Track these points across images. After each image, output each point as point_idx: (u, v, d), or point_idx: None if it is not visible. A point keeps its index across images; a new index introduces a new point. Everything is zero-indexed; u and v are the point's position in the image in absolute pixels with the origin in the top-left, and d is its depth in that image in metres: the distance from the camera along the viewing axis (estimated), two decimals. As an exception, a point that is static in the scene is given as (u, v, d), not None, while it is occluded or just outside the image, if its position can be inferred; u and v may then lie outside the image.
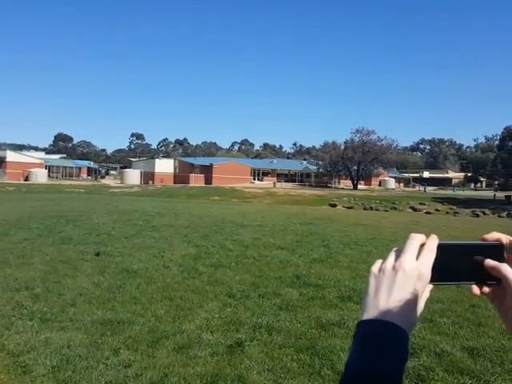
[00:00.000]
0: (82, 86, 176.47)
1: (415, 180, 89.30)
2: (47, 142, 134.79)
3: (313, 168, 74.32)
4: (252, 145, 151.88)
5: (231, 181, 59.17)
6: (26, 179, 60.24)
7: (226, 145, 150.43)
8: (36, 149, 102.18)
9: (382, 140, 66.63)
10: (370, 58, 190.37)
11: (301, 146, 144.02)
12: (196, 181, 61.65)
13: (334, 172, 70.05)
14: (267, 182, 65.86)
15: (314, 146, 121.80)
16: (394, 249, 0.68)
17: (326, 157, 69.10)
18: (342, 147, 69.31)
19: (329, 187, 65.16)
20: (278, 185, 59.92)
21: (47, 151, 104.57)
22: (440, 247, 0.65)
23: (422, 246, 0.66)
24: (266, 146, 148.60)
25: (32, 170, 62.06)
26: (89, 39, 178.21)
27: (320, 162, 72.43)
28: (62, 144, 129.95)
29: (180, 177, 65.94)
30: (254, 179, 70.38)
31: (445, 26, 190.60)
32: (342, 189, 62.88)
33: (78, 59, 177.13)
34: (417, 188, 77.17)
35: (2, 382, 3.06)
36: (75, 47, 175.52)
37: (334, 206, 33.58)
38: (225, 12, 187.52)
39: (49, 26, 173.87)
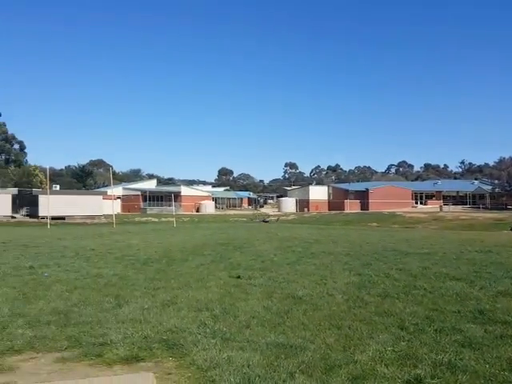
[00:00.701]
0: (238, 123, 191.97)
1: None
2: (212, 176, 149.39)
3: (487, 188, 66.37)
4: (411, 166, 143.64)
5: (390, 206, 56.65)
6: (197, 210, 67.50)
7: (381, 168, 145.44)
8: (204, 183, 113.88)
9: None
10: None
11: (470, 164, 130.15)
12: (351, 207, 60.77)
13: (515, 191, 61.31)
14: (432, 206, 61.24)
15: (486, 164, 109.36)
16: None
17: (503, 175, 61.35)
18: (523, 162, 61.02)
19: (509, 209, 57.26)
20: (445, 208, 55.08)
21: (213, 185, 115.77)
22: None
23: None
24: (427, 166, 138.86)
25: (202, 202, 69.40)
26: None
27: (496, 181, 64.60)
28: (224, 177, 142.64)
29: (334, 203, 65.89)
30: (416, 203, 66.18)
31: None
32: (526, 211, 54.77)
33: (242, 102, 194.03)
34: None
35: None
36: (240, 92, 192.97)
37: (516, 230, 29.36)
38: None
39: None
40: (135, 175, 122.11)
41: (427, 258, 10.36)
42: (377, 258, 10.62)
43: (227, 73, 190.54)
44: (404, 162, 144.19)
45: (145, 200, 68.04)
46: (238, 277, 8.10)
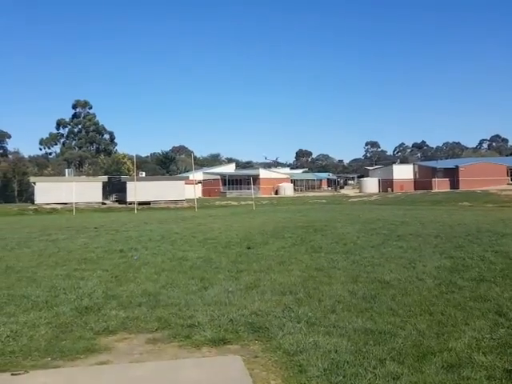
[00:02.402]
0: (314, 102, 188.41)
1: None
2: (291, 158, 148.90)
3: None
4: (505, 140, 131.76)
5: (483, 183, 52.53)
6: (276, 193, 67.91)
7: (472, 144, 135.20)
8: (282, 165, 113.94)
9: None
10: None
11: None
12: (439, 186, 57.34)
13: None
14: (529, 183, 55.86)
15: None
16: None
17: None
18: None
19: None
20: (545, 185, 50.01)
21: (291, 167, 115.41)
22: None
23: None
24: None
25: (280, 184, 69.62)
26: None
27: None
28: (303, 159, 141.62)
29: (421, 182, 62.61)
30: (512, 180, 60.78)
31: None
32: None
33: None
34: None
35: (283, 378, 3.39)
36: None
37: None
38: None
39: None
40: (215, 160, 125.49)
41: (528, 240, 9.48)
42: (470, 239, 9.95)
43: (300, 52, 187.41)
44: (497, 135, 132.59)
45: (224, 184, 69.87)
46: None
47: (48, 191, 38.92)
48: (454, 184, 57.62)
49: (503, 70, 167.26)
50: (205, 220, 19.29)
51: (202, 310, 5.08)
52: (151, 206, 39.78)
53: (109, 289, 6.29)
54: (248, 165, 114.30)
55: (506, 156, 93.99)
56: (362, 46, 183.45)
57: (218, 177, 71.51)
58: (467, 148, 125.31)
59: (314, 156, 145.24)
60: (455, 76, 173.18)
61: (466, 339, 3.97)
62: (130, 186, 39.49)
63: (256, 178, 66.79)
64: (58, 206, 37.15)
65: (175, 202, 42.15)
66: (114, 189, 49.17)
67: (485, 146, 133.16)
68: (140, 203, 36.10)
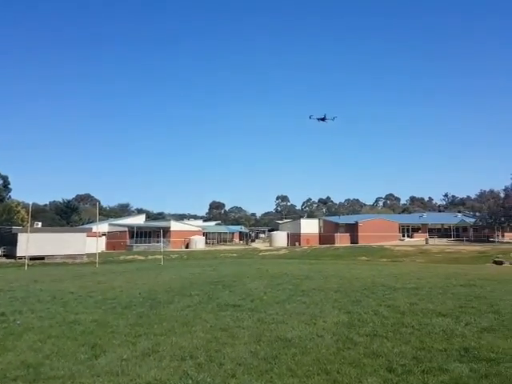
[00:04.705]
0: (230, 155, 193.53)
1: None
2: (203, 210, 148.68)
3: (469, 221, 67.23)
4: (398, 199, 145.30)
5: (378, 239, 56.86)
6: (187, 246, 66.69)
7: (369, 201, 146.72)
8: (195, 217, 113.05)
9: None
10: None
11: (453, 196, 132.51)
12: (341, 240, 60.79)
13: (496, 224, 62.18)
14: (418, 239, 61.55)
15: (468, 197, 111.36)
16: None
17: (484, 207, 62.45)
18: (502, 195, 62.22)
19: (491, 242, 57.95)
20: (431, 241, 55.47)
21: (204, 219, 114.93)
22: None
23: None
24: (413, 199, 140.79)
25: (192, 237, 68.62)
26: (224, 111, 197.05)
27: (477, 214, 65.55)
28: (216, 211, 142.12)
29: (325, 236, 65.88)
30: (403, 236, 66.54)
31: None
32: (508, 243, 55.34)
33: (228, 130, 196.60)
34: None
35: None
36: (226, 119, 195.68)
37: (499, 263, 29.54)
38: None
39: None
40: (123, 210, 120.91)
41: (414, 294, 10.32)
42: (366, 294, 10.54)
43: (217, 103, 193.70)
44: (391, 194, 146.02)
45: (132, 236, 66.91)
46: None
47: None
48: (354, 238, 61.50)
49: (398, 133, 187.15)
50: (106, 277, 18.19)
51: (89, 383, 4.69)
52: (46, 261, 36.64)
53: (-19, 361, 5.56)
54: (160, 216, 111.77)
55: (399, 213, 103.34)
56: (268, 95, 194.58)
57: (126, 229, 68.42)
58: (365, 205, 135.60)
59: (227, 208, 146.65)
60: (353, 139, 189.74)
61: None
62: (21, 238, 36.20)
63: (167, 231, 65.23)
64: None
65: (74, 256, 39.35)
66: (3, 241, 44.71)
67: (380, 203, 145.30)
68: (32, 258, 33.02)
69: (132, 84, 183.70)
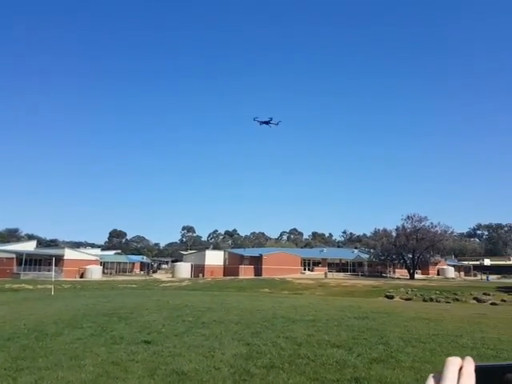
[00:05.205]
0: (135, 182, 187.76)
1: (476, 268, 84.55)
2: (103, 238, 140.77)
3: (365, 256, 72.18)
4: (301, 234, 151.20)
5: (281, 271, 58.34)
6: (82, 276, 62.31)
7: (274, 234, 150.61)
8: (93, 246, 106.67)
9: (435, 226, 64.14)
10: (420, 147, 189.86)
11: (351, 233, 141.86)
12: (246, 272, 61.27)
13: (388, 261, 67.50)
14: (318, 272, 64.29)
15: (364, 234, 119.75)
16: (432, 375, 0.68)
17: (378, 245, 67.37)
18: (394, 234, 67.59)
19: (383, 277, 62.63)
20: (330, 275, 58.26)
21: (103, 248, 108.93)
22: (478, 370, 0.65)
23: (461, 369, 0.66)
24: (315, 234, 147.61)
25: (87, 266, 64.30)
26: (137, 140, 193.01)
27: (372, 250, 70.48)
28: (116, 240, 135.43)
29: (230, 269, 65.93)
30: (305, 269, 69.03)
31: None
32: (398, 278, 60.26)
33: (130, 159, 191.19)
34: (478, 277, 72.91)
35: None
36: (127, 149, 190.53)
37: (390, 297, 31.98)
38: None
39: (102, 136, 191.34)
40: (11, 235, 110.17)
41: (312, 325, 10.68)
42: (266, 325, 10.67)
43: (118, 130, 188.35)
44: (295, 229, 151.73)
45: (20, 264, 60.92)
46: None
47: None
48: (258, 271, 62.44)
49: (302, 170, 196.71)
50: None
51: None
52: None
53: None
54: (53, 243, 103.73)
55: (301, 248, 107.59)
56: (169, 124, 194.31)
57: (13, 255, 62.16)
58: (270, 238, 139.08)
59: (128, 237, 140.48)
60: (257, 173, 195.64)
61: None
62: None
63: (60, 259, 60.53)
64: None
65: None
66: None
67: (285, 237, 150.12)
68: None
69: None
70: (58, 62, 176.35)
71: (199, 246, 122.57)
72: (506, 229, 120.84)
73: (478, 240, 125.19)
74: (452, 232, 67.99)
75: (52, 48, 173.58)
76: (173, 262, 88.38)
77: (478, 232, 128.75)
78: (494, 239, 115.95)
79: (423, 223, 64.51)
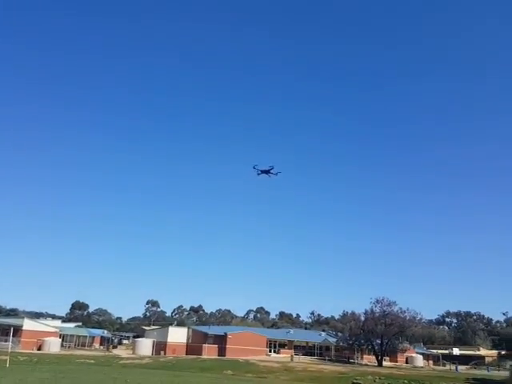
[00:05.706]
0: (99, 253, 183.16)
1: (445, 357, 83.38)
2: (65, 309, 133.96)
3: (332, 340, 70.58)
4: (268, 313, 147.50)
5: (246, 352, 56.70)
6: (39, 348, 59.12)
7: (241, 312, 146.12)
8: (53, 317, 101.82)
9: (404, 312, 63.26)
10: (386, 224, 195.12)
11: (319, 315, 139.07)
12: (209, 352, 59.20)
13: (356, 345, 65.96)
14: (284, 355, 62.55)
15: (332, 316, 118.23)
16: None
17: (346, 328, 66.36)
18: (362, 318, 66.17)
19: (351, 363, 61.03)
20: (296, 358, 56.82)
21: (64, 319, 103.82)
22: None
23: None
24: (282, 314, 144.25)
25: (45, 339, 61.26)
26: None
27: (339, 334, 69.28)
28: (78, 312, 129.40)
29: (193, 347, 63.54)
30: (270, 351, 67.08)
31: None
32: (366, 365, 58.86)
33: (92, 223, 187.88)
34: (447, 367, 71.57)
35: None
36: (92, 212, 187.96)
37: (358, 386, 31.69)
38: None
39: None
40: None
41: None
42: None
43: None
44: (262, 308, 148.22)
45: (-26, 332, 57.54)
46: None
47: None
48: (222, 351, 60.38)
49: (269, 248, 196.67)
50: None
51: None
52: None
53: None
54: (12, 312, 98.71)
55: (268, 328, 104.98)
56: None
57: (-34, 323, 58.80)
58: (236, 316, 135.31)
59: (90, 310, 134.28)
60: (226, 250, 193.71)
61: None
62: None
63: (18, 329, 57.76)
64: None
65: None
66: None
67: (251, 315, 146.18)
68: None
69: None
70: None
71: (163, 321, 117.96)
72: (474, 317, 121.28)
73: (446, 328, 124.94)
74: (421, 318, 67.36)
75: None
76: (134, 337, 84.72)
77: (447, 319, 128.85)
78: (463, 327, 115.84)
79: (392, 308, 63.56)
